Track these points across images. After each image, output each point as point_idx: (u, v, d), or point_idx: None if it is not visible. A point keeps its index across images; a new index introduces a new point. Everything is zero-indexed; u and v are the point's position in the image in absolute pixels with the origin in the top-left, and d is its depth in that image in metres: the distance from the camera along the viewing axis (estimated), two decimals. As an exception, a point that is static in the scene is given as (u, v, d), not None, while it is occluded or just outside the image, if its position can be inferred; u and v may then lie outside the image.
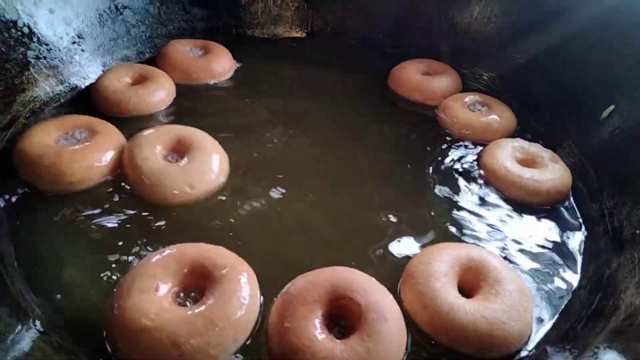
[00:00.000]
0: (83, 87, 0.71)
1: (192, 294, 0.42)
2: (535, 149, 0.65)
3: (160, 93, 0.69)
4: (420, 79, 0.79)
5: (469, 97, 0.75)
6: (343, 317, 0.40)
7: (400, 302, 0.44)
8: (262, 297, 0.43)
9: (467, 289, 0.45)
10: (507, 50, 0.81)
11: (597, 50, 0.69)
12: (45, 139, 0.55)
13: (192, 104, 0.72)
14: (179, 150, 0.58)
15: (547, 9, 0.76)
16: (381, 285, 0.43)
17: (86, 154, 0.54)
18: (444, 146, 0.68)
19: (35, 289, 0.43)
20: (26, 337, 0.36)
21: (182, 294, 0.42)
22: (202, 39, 0.87)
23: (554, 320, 0.47)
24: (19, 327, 0.37)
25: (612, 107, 0.66)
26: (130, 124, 0.64)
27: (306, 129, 0.69)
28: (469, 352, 0.41)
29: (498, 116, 0.72)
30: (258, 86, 0.78)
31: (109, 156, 0.56)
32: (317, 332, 0.38)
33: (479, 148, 0.68)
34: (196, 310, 0.38)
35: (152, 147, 0.56)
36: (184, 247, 0.44)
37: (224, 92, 0.76)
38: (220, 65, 0.78)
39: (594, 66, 0.69)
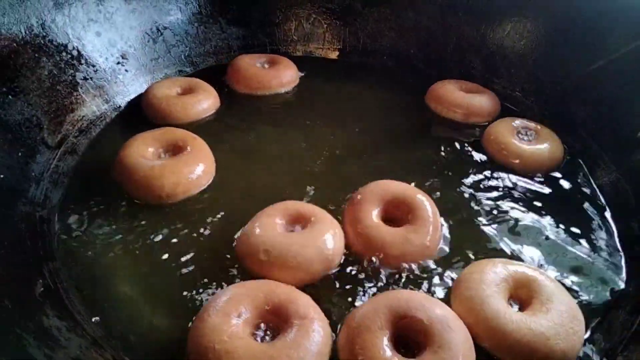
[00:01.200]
0: (125, 104, 0.74)
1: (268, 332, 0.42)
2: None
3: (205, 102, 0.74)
4: (463, 95, 0.79)
5: (517, 122, 0.73)
6: (410, 338, 0.41)
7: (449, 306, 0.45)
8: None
9: (518, 303, 0.46)
10: (541, 67, 0.81)
11: (634, 66, 0.68)
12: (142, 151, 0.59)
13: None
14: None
15: (581, 26, 0.76)
16: (435, 299, 0.44)
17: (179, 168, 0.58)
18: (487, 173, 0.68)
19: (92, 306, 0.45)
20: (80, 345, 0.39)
21: (258, 329, 0.42)
22: (236, 57, 0.90)
23: (595, 339, 0.46)
24: (74, 336, 0.39)
25: (650, 125, 0.65)
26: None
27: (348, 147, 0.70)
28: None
29: (549, 144, 0.69)
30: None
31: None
32: (390, 356, 0.38)
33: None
34: (266, 346, 0.39)
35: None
36: (275, 285, 0.44)
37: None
38: (289, 75, 0.83)
39: (631, 83, 0.68)
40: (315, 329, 0.40)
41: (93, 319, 0.43)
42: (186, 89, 0.75)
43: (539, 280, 0.46)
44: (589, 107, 0.73)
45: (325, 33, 0.96)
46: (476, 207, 0.60)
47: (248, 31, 0.92)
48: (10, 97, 0.57)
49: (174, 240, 0.52)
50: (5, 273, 0.41)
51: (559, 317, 0.43)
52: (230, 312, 0.40)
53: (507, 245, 0.55)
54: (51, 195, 0.55)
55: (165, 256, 0.50)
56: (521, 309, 0.45)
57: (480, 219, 0.59)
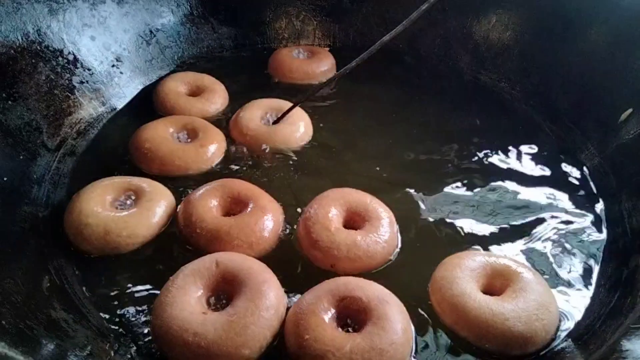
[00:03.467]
0: (122, 106, 0.76)
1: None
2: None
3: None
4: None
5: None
6: (353, 317, 0.44)
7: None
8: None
9: (493, 291, 0.48)
10: (526, 57, 0.83)
11: (615, 54, 0.71)
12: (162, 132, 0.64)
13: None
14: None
15: (564, 15, 0.78)
16: (373, 282, 0.46)
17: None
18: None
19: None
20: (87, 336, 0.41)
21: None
22: (230, 56, 0.92)
23: (577, 318, 0.49)
24: (80, 327, 0.42)
25: (630, 110, 0.67)
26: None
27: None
28: (468, 338, 0.45)
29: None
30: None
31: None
32: (333, 332, 0.41)
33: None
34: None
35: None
36: (222, 254, 0.48)
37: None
38: (326, 65, 0.87)
39: (613, 70, 0.71)
40: (267, 292, 0.44)
41: (99, 313, 0.46)
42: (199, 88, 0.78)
43: (517, 271, 0.48)
44: (573, 96, 0.76)
45: (315, 30, 0.98)
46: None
47: (239, 30, 0.94)
48: (10, 102, 0.59)
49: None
50: (13, 270, 0.43)
51: (524, 304, 0.45)
52: (187, 288, 0.44)
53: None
54: (53, 196, 0.58)
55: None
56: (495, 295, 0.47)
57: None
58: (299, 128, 0.70)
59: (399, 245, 0.55)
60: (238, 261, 0.47)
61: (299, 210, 0.58)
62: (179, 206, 0.56)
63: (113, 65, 0.77)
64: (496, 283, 0.48)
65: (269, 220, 0.54)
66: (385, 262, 0.53)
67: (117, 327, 0.44)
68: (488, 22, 0.88)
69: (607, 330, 0.45)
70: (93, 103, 0.72)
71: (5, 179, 0.53)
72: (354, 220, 0.55)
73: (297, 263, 0.52)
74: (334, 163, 0.68)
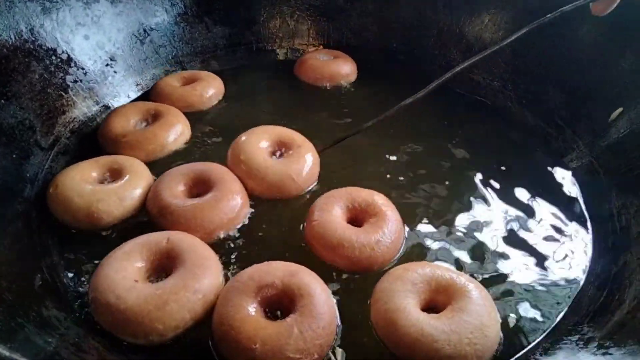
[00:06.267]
0: (116, 105, 0.76)
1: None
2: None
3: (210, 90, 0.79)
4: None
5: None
6: (282, 305, 0.45)
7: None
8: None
9: (435, 307, 0.47)
10: (518, 57, 0.84)
11: (606, 54, 0.71)
12: (124, 123, 0.68)
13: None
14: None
15: (556, 15, 0.78)
16: (302, 267, 0.47)
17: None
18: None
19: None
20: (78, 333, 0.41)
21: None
22: (223, 55, 0.93)
23: (561, 316, 0.49)
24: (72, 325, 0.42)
25: (620, 109, 0.68)
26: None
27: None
28: (396, 354, 0.44)
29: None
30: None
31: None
32: (255, 317, 0.42)
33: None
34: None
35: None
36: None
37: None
38: (348, 67, 0.89)
39: (604, 70, 0.71)
40: (200, 276, 0.45)
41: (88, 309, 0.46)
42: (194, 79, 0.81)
43: (463, 288, 0.46)
44: (564, 95, 0.76)
45: (310, 29, 0.98)
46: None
47: (234, 30, 0.94)
48: (2, 101, 0.59)
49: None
50: (5, 269, 0.43)
51: (458, 326, 0.43)
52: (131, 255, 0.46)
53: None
54: (46, 195, 0.57)
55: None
56: (436, 313, 0.46)
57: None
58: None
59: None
60: (187, 242, 0.48)
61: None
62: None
63: (107, 65, 0.77)
64: (439, 298, 0.46)
65: (235, 202, 0.55)
66: (390, 261, 0.53)
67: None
68: (481, 22, 0.89)
69: (594, 327, 0.45)
70: (87, 102, 0.72)
71: (-3, 177, 0.54)
72: (359, 218, 0.56)
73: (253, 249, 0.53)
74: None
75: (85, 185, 0.55)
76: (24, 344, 0.31)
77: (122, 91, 0.78)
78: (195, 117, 0.75)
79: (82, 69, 0.73)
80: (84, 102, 0.72)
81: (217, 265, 0.48)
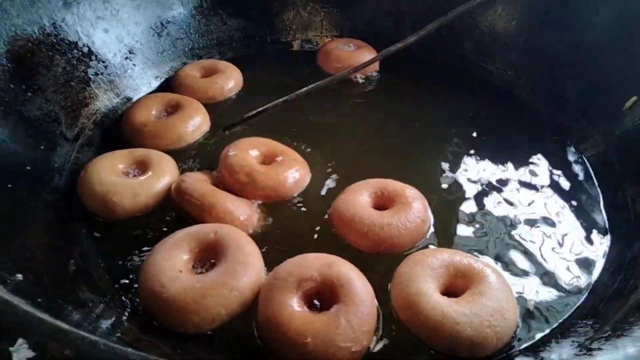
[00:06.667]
0: (136, 97, 0.78)
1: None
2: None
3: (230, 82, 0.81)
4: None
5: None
6: (323, 296, 0.46)
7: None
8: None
9: (454, 292, 0.48)
10: (531, 46, 0.84)
11: (620, 42, 0.72)
12: (146, 113, 0.70)
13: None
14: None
15: (570, 3, 0.79)
16: (336, 257, 0.48)
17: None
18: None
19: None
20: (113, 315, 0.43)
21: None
22: (239, 47, 0.94)
23: (579, 302, 0.51)
24: (106, 307, 0.44)
25: (634, 98, 0.68)
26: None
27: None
28: (418, 336, 0.45)
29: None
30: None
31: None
32: (297, 310, 0.43)
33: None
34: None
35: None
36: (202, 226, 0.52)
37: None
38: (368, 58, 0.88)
39: (618, 58, 0.72)
40: (239, 273, 0.46)
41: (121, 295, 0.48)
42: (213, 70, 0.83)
43: (481, 273, 0.47)
44: (579, 84, 0.77)
45: (323, 21, 0.99)
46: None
47: (248, 22, 0.95)
48: (29, 94, 0.61)
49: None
50: (41, 254, 0.45)
51: (479, 309, 0.44)
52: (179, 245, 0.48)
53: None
54: (73, 184, 0.59)
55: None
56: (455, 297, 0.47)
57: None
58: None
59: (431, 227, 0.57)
60: (233, 236, 0.50)
61: (295, 195, 0.61)
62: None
63: (126, 58, 0.79)
64: (458, 283, 0.48)
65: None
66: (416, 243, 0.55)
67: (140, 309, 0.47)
68: (494, 11, 0.89)
69: (609, 310, 0.46)
70: (108, 94, 0.74)
71: (28, 167, 0.55)
72: (386, 204, 0.57)
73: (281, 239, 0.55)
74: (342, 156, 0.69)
75: (108, 175, 0.57)
76: (66, 321, 0.32)
77: (141, 83, 0.80)
78: (214, 107, 0.76)
79: (103, 61, 0.75)
80: (105, 94, 0.73)
81: (259, 261, 0.49)
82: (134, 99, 0.77)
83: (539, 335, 0.47)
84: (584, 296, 0.51)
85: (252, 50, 0.95)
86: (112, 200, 0.54)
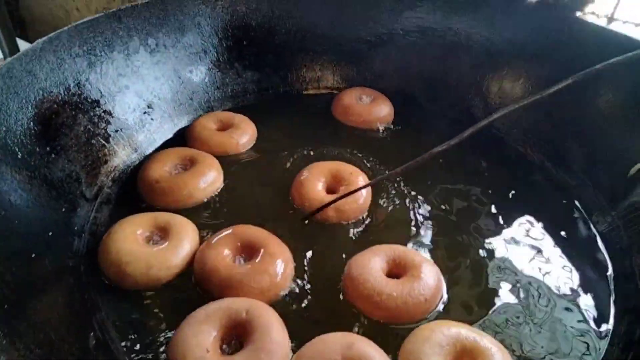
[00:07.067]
0: (151, 151, 0.80)
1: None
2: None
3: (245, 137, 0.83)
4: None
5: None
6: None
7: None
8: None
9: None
10: (539, 106, 0.85)
11: (625, 108, 0.74)
12: (159, 169, 0.71)
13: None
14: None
15: (574, 68, 0.81)
16: (356, 336, 0.49)
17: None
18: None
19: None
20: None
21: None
22: (254, 99, 0.97)
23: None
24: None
25: (639, 165, 0.70)
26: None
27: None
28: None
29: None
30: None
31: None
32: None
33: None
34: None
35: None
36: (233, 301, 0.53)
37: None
38: (385, 111, 0.92)
39: (625, 126, 0.74)
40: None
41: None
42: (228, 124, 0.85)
43: (485, 351, 0.48)
44: (585, 149, 0.79)
45: (334, 75, 1.02)
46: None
47: (263, 75, 0.98)
48: (53, 155, 0.63)
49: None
50: (64, 329, 0.46)
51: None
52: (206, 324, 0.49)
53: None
54: (92, 247, 0.61)
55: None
56: None
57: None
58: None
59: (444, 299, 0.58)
60: (265, 318, 0.50)
61: (308, 254, 0.62)
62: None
63: (145, 112, 0.81)
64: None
65: (280, 265, 0.58)
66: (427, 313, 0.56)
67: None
68: (501, 70, 0.92)
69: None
70: (126, 150, 0.76)
71: (50, 233, 0.57)
72: (398, 272, 0.58)
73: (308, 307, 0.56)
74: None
75: (126, 242, 0.57)
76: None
77: (157, 137, 0.82)
78: (229, 161, 0.78)
79: (123, 118, 0.77)
80: (123, 151, 0.76)
81: (284, 348, 0.49)
82: (150, 154, 0.79)
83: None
84: (595, 374, 0.52)
85: (266, 101, 0.97)
86: (124, 271, 0.55)
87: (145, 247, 0.58)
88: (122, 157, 0.75)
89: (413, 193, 0.74)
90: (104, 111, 0.74)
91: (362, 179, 0.71)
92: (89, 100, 0.72)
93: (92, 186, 0.68)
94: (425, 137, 0.87)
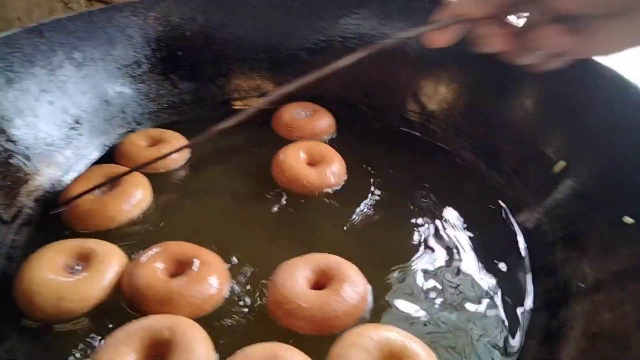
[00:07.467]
0: (81, 168, 0.78)
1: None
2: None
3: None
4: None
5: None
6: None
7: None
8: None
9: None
10: (471, 108, 0.88)
11: (556, 110, 0.76)
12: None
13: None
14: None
15: (501, 72, 0.83)
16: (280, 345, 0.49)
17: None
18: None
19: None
20: None
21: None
22: (191, 110, 0.95)
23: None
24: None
25: (564, 163, 0.72)
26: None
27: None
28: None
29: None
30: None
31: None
32: None
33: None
34: None
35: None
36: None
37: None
38: (325, 123, 0.92)
39: (549, 124, 0.76)
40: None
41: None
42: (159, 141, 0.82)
43: (413, 354, 0.49)
44: (515, 148, 0.81)
45: (274, 83, 1.01)
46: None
47: (200, 85, 0.97)
48: (-36, 178, 0.60)
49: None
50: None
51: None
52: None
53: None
54: (8, 271, 0.58)
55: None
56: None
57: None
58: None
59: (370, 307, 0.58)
60: (187, 337, 0.49)
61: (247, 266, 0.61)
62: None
63: (72, 128, 0.79)
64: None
65: (217, 274, 0.57)
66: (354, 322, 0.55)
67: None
68: (436, 74, 0.93)
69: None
70: (51, 168, 0.74)
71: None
72: (323, 282, 0.58)
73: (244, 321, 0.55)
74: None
75: (41, 271, 0.54)
76: None
77: (87, 153, 0.80)
78: (159, 179, 0.76)
79: (47, 135, 0.74)
80: (48, 169, 0.73)
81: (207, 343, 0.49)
82: (78, 171, 0.76)
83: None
84: (513, 366, 0.53)
85: (204, 113, 0.96)
86: (33, 301, 0.52)
87: (61, 277, 0.55)
88: (46, 175, 0.72)
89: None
90: (25, 128, 0.71)
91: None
92: (6, 118, 0.69)
93: (11, 207, 0.65)
94: (369, 144, 0.89)
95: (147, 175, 0.74)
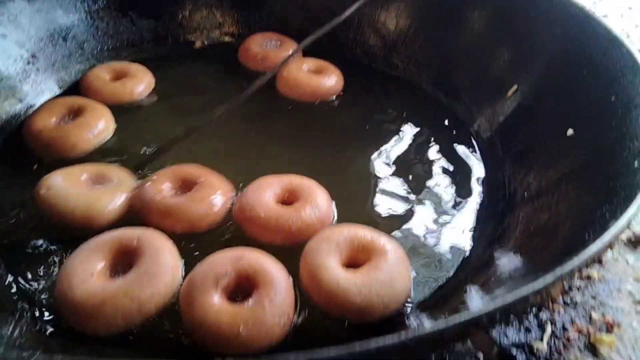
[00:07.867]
0: (39, 103, 0.77)
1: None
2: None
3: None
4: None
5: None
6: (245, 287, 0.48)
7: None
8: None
9: (357, 264, 0.52)
10: (429, 40, 0.90)
11: (497, 35, 0.79)
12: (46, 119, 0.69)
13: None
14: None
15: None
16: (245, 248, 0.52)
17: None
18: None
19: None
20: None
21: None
22: (150, 48, 0.94)
23: (453, 271, 0.57)
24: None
25: (515, 86, 0.75)
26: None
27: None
28: (318, 303, 0.50)
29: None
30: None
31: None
32: (221, 306, 0.46)
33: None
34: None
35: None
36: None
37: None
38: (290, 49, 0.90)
39: (499, 50, 0.79)
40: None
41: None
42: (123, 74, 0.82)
43: (379, 247, 0.52)
44: (469, 75, 0.84)
45: (236, 19, 1.01)
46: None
47: (159, 22, 0.95)
48: None
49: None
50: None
51: (370, 280, 0.49)
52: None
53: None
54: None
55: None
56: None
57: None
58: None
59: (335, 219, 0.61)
60: (154, 245, 0.51)
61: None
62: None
63: (29, 62, 0.78)
64: (360, 257, 0.52)
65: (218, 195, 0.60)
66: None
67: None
68: (396, 9, 0.94)
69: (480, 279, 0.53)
70: (10, 101, 0.73)
71: None
72: (290, 198, 0.60)
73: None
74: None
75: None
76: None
77: (46, 88, 0.79)
78: (124, 111, 0.76)
79: (3, 68, 0.73)
80: (6, 101, 0.73)
81: (171, 274, 0.50)
82: (37, 104, 0.76)
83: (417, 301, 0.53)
84: (460, 267, 0.57)
85: (165, 50, 0.95)
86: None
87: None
88: (4, 107, 0.72)
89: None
90: (-23, 61, 0.70)
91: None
92: (-44, 50, 0.68)
93: (-34, 139, 0.65)
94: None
95: (111, 107, 0.74)
